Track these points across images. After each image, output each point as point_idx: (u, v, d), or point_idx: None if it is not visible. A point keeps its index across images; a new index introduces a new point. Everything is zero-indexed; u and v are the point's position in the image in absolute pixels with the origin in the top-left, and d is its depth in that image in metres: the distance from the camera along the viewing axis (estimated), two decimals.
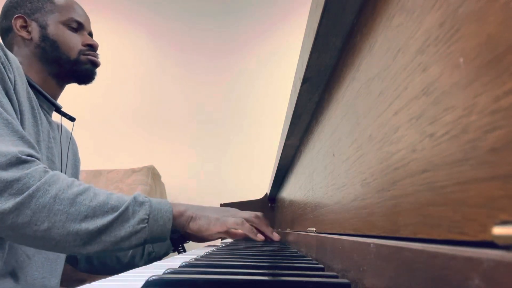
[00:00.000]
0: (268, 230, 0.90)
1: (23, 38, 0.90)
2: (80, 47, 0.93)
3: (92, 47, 0.95)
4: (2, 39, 0.94)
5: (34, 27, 0.90)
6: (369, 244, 0.27)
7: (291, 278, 0.30)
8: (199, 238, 0.85)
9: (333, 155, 0.46)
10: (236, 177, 2.34)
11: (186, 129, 2.45)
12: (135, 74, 2.53)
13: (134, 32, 2.54)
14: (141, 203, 0.73)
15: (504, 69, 0.14)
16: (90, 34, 1.00)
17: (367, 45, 0.33)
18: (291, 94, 0.69)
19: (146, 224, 0.71)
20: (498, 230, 0.14)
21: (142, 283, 0.28)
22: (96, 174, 2.07)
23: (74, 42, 0.92)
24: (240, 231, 0.86)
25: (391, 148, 0.26)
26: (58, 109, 0.94)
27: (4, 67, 0.72)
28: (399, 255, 0.21)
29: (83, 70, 0.93)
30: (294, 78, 0.61)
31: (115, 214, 0.69)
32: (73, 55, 0.92)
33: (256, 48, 2.49)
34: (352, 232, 0.36)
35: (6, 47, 0.92)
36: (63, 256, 0.91)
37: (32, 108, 0.81)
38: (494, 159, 0.15)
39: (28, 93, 0.81)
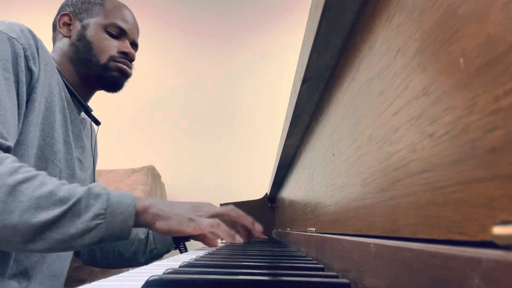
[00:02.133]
0: (247, 222, 0.81)
1: (62, 35, 0.90)
2: (113, 53, 0.90)
3: (127, 55, 0.93)
4: (53, 33, 0.94)
5: (76, 26, 0.90)
6: (369, 244, 0.27)
7: (291, 278, 0.30)
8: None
9: (333, 155, 0.46)
10: (236, 177, 2.34)
11: (186, 129, 2.45)
12: (134, 74, 2.52)
13: None
14: (97, 195, 0.63)
15: (504, 69, 0.14)
16: (134, 44, 0.98)
17: (367, 45, 0.33)
18: (291, 94, 0.69)
19: (103, 220, 0.62)
20: (498, 230, 0.14)
21: (142, 283, 0.28)
22: (96, 174, 2.07)
23: (108, 47, 0.90)
24: (215, 239, 0.76)
25: (391, 148, 0.26)
26: (87, 112, 0.94)
27: (27, 60, 0.70)
28: (399, 255, 0.21)
29: (109, 77, 0.91)
30: (294, 78, 0.61)
31: (64, 207, 0.60)
32: (103, 59, 0.89)
33: (256, 48, 2.49)
34: (352, 232, 0.36)
35: (52, 41, 0.93)
36: (71, 253, 0.91)
37: (63, 107, 0.81)
38: (494, 159, 0.15)
39: (60, 91, 0.80)
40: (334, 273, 0.35)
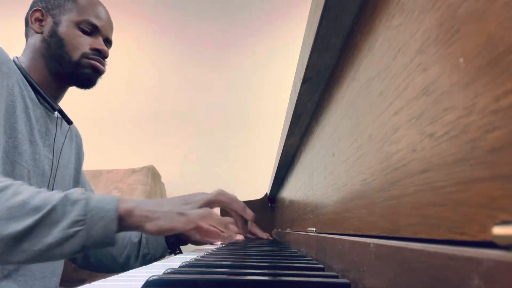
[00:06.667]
0: (238, 207, 0.81)
1: (34, 31, 0.90)
2: (85, 50, 0.90)
3: (100, 52, 0.92)
4: (25, 28, 0.93)
5: (48, 22, 0.89)
6: (369, 244, 0.27)
7: (291, 278, 0.30)
8: (197, 241, 0.83)
9: (333, 155, 0.46)
10: (236, 177, 2.34)
11: (186, 129, 2.45)
12: (135, 74, 2.53)
13: (133, 32, 2.55)
14: (74, 201, 0.60)
15: (504, 69, 0.14)
16: (108, 41, 0.97)
17: (367, 45, 0.33)
18: (291, 94, 0.69)
19: (82, 227, 0.59)
20: (498, 230, 0.14)
21: (142, 283, 0.28)
22: (96, 174, 2.07)
23: (81, 43, 0.89)
24: (214, 230, 0.72)
25: (391, 148, 0.26)
26: (56, 110, 0.92)
27: None
28: (399, 255, 0.21)
29: (81, 74, 0.90)
30: (294, 78, 0.61)
31: (37, 216, 0.57)
32: (76, 56, 0.89)
33: (256, 47, 2.49)
34: (352, 232, 0.36)
35: (25, 36, 0.92)
36: None
37: (25, 106, 0.79)
38: (494, 159, 0.15)
39: (21, 90, 0.79)
40: (334, 273, 0.35)
